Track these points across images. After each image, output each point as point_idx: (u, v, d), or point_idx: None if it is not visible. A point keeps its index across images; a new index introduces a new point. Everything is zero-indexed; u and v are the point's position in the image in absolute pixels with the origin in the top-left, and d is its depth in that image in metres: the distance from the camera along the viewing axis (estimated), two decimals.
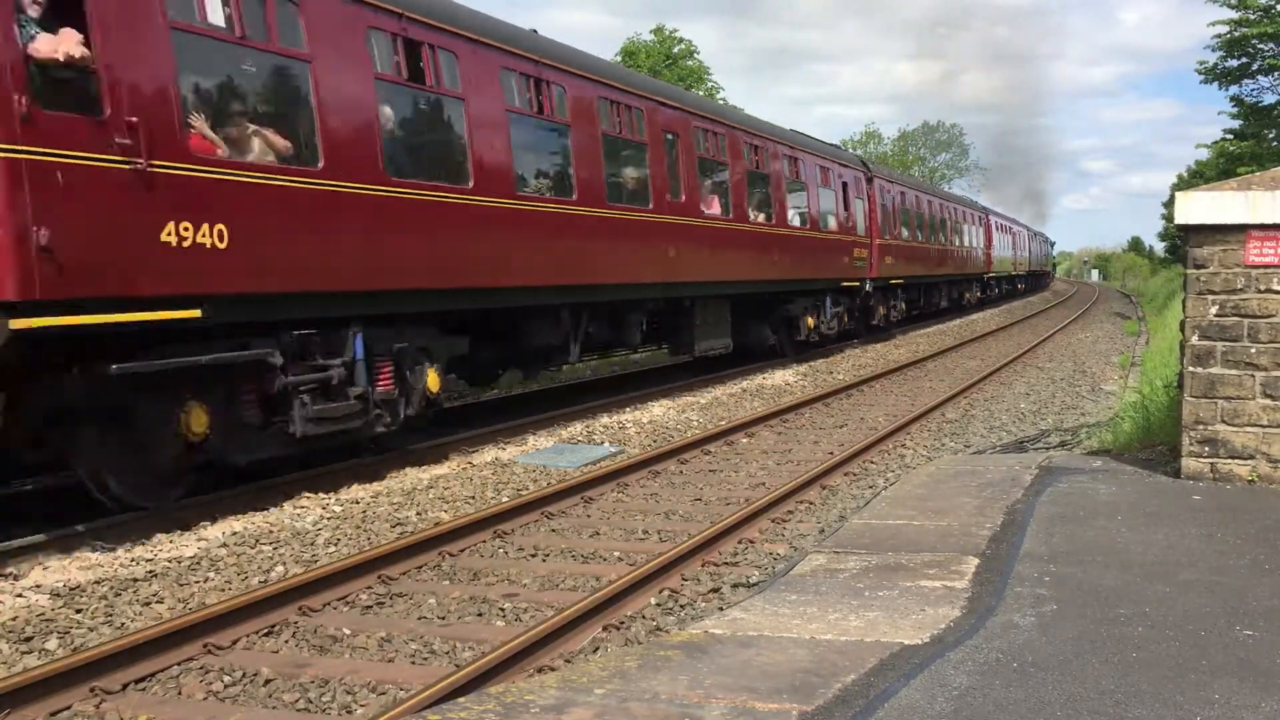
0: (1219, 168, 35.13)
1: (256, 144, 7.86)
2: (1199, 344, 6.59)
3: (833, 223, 21.29)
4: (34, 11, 6.21)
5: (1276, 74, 30.83)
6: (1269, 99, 32.00)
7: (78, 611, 5.63)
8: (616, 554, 6.73)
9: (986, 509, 6.16)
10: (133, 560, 6.59)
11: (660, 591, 5.89)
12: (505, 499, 8.19)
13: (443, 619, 5.53)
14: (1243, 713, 3.31)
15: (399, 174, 9.12)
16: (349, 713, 4.42)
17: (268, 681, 4.71)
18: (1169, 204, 37.68)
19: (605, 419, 12.41)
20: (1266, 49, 30.06)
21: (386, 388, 9.08)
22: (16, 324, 5.96)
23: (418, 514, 7.85)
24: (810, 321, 19.53)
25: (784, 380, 16.85)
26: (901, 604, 4.49)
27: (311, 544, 7.03)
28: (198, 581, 6.19)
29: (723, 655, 3.94)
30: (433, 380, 9.64)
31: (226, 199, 7.34)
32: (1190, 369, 6.62)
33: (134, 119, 6.61)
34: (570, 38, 12.66)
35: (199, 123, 7.28)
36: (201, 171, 7.16)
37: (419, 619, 5.54)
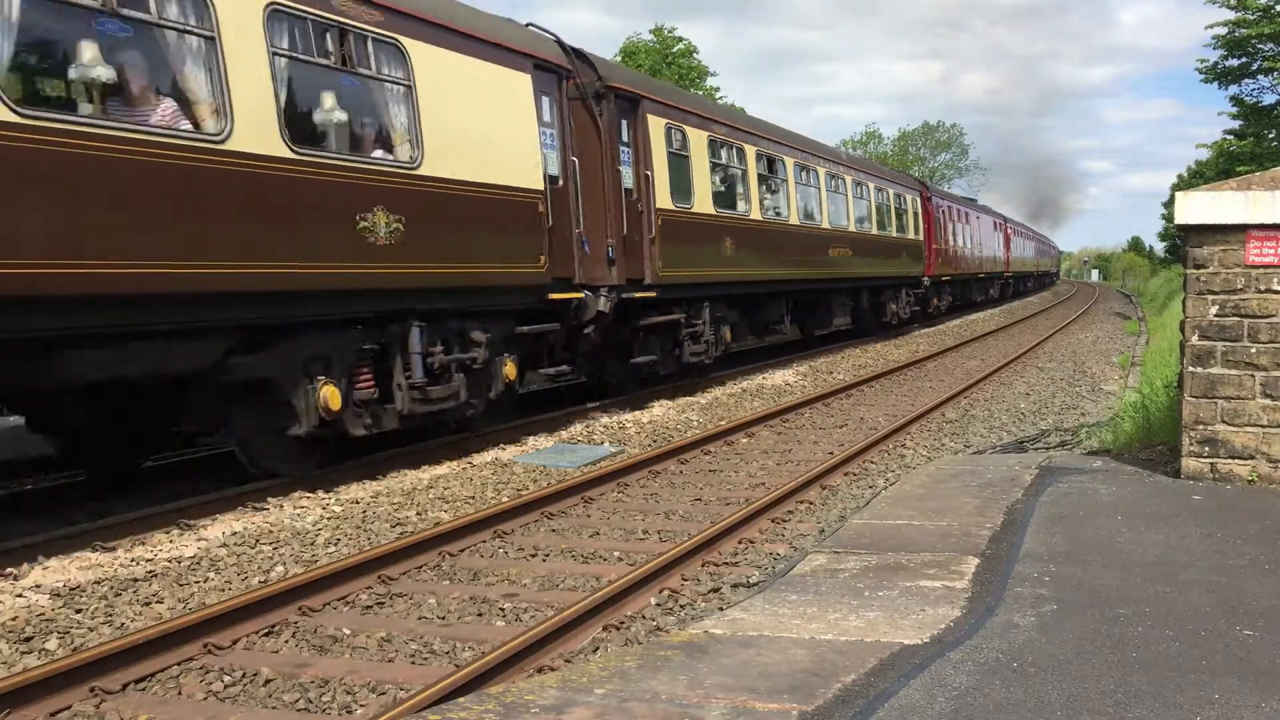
0: (1219, 168, 35.14)
1: None
2: (1199, 344, 6.58)
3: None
4: None
5: (1276, 74, 30.82)
6: (1269, 99, 32.02)
7: (78, 611, 5.63)
8: (616, 554, 6.73)
9: (986, 509, 6.16)
10: (133, 560, 6.59)
11: (660, 591, 5.88)
12: (505, 499, 8.19)
13: (443, 619, 5.53)
14: (1243, 713, 3.31)
15: None
16: (349, 713, 4.41)
17: (268, 681, 4.71)
18: (1169, 204, 37.68)
19: (605, 419, 12.41)
20: (1266, 49, 30.05)
21: None
22: None
23: (418, 514, 7.85)
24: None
25: (784, 380, 16.85)
26: (901, 604, 4.48)
27: (311, 544, 7.03)
28: (198, 581, 6.19)
29: (723, 655, 3.93)
30: None
31: None
32: (1190, 369, 6.61)
33: None
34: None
35: None
36: None
37: (419, 619, 5.53)
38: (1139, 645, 3.89)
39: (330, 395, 8.28)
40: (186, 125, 7.17)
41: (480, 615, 5.59)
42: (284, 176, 7.73)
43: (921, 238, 29.27)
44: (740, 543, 6.90)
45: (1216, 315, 6.54)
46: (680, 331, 14.27)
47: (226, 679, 4.72)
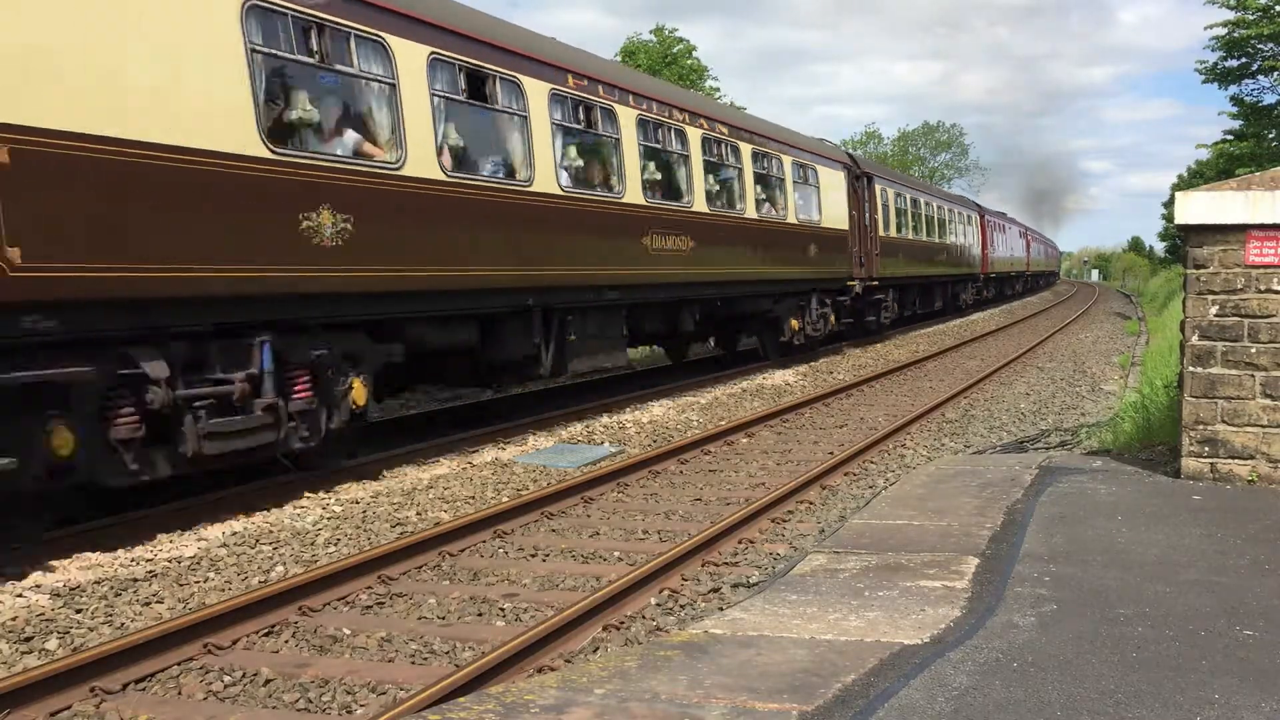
0: (1219, 168, 35.12)
1: None
2: (1199, 344, 6.59)
3: None
4: None
5: (1276, 74, 30.82)
6: (1269, 99, 32.02)
7: (78, 611, 5.63)
8: (616, 554, 6.73)
9: (986, 509, 6.16)
10: (133, 560, 6.59)
11: (660, 591, 5.88)
12: (505, 499, 8.19)
13: (443, 619, 5.53)
14: (1243, 713, 3.31)
15: None
16: (349, 713, 4.41)
17: (268, 681, 4.71)
18: (1169, 204, 37.65)
19: (605, 419, 12.41)
20: (1266, 49, 30.05)
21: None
22: None
23: (418, 514, 7.85)
24: None
25: (784, 380, 16.85)
26: (901, 604, 4.49)
27: (311, 544, 7.03)
28: (198, 581, 6.19)
29: (723, 655, 3.94)
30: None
31: None
32: (1190, 369, 6.62)
33: None
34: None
35: None
36: None
37: (419, 619, 5.53)
38: (1139, 645, 3.90)
39: (795, 323, 18.76)
40: (771, 214, 17.74)
41: (480, 615, 5.59)
42: (791, 231, 18.43)
43: (978, 246, 39.55)
44: (740, 543, 6.91)
45: (1216, 315, 6.54)
46: (881, 305, 24.98)
47: (226, 679, 4.72)
